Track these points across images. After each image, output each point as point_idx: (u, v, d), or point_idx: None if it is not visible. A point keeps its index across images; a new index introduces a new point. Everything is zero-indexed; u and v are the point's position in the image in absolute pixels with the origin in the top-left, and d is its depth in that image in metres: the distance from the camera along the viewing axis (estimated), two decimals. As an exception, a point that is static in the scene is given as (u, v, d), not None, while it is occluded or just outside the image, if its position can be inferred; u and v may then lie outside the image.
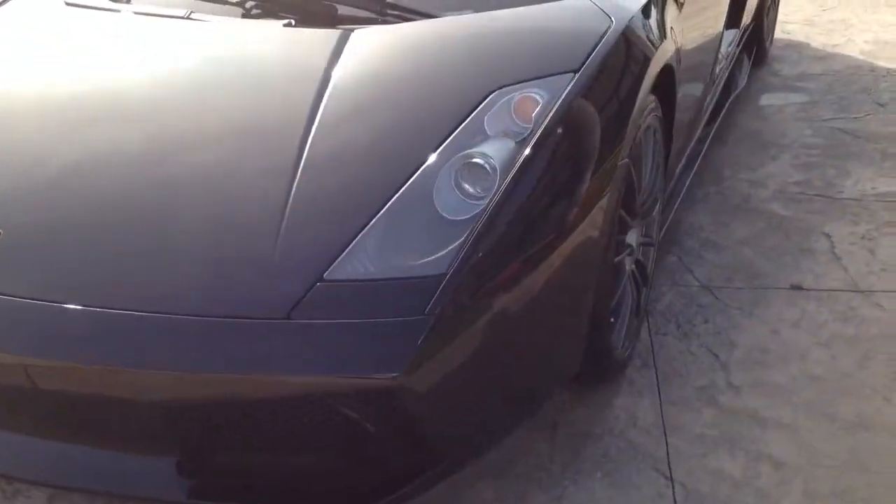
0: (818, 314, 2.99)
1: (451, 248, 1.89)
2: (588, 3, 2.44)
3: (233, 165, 2.07)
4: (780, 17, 5.75)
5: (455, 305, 1.86)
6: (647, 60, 2.41)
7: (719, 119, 3.89)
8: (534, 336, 2.08)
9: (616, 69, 2.31)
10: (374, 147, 2.09)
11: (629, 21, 2.40)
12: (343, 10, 2.51)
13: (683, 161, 3.31)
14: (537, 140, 2.05)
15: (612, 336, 2.48)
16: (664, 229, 3.08)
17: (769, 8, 5.07)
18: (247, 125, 2.18)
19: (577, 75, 2.17)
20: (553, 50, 2.29)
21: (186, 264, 1.90)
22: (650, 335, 2.93)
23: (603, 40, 2.28)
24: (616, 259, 2.42)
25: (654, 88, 2.48)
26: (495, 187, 1.97)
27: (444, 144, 2.04)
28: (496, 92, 2.14)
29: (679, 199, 3.25)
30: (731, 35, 4.02)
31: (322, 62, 2.28)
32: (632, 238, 2.60)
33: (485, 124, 2.09)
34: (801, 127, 4.46)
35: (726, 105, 4.00)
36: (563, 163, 2.10)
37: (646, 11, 2.52)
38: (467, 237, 1.90)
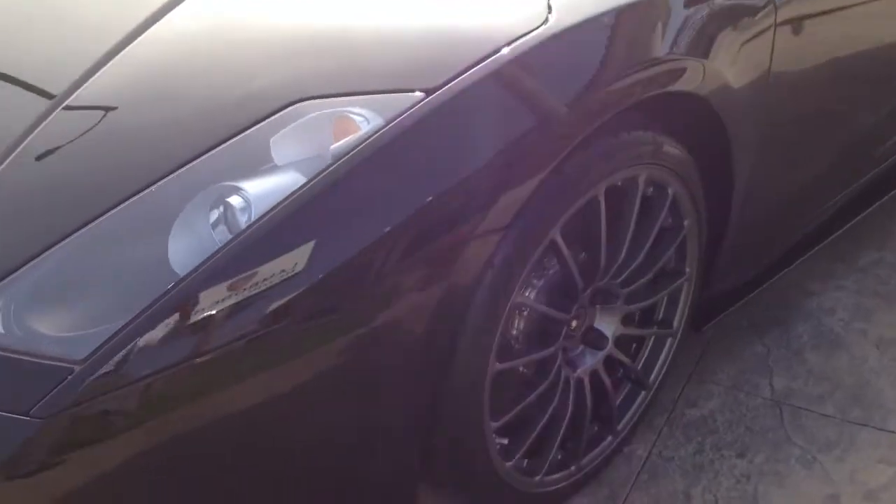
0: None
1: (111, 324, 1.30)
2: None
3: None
4: None
5: (94, 408, 1.27)
6: (611, 83, 1.58)
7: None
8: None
9: (524, 92, 1.53)
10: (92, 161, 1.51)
11: (581, 22, 1.57)
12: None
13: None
14: (328, 179, 1.37)
15: (507, 464, 1.74)
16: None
17: None
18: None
19: (429, 98, 1.44)
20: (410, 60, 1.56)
21: None
22: (649, 451, 2.10)
23: (513, 47, 1.50)
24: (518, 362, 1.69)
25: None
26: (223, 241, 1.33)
27: (184, 170, 1.42)
28: (299, 104, 1.46)
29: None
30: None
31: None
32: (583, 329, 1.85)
33: (271, 147, 1.44)
34: None
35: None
36: (362, 217, 1.40)
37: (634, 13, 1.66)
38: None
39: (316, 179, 1.37)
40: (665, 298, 2.04)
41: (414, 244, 1.42)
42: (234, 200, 1.38)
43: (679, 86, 1.69)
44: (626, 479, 2.06)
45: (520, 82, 1.49)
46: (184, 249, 1.36)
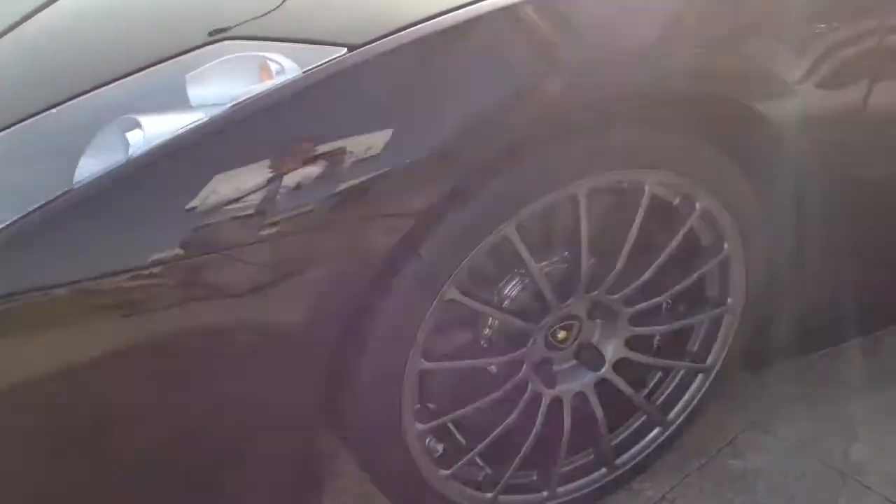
0: None
1: None
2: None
3: None
4: None
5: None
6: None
7: None
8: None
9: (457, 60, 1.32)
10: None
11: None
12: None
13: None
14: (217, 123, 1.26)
15: (441, 471, 1.58)
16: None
17: None
18: None
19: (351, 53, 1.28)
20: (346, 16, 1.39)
21: None
22: (662, 496, 1.85)
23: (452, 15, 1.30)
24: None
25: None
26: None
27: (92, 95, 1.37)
28: (221, 44, 1.36)
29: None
30: None
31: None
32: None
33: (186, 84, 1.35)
34: None
35: None
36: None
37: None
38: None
39: (206, 122, 1.25)
40: (702, 330, 1.74)
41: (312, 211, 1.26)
42: (132, 133, 1.30)
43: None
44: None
45: (454, 50, 1.28)
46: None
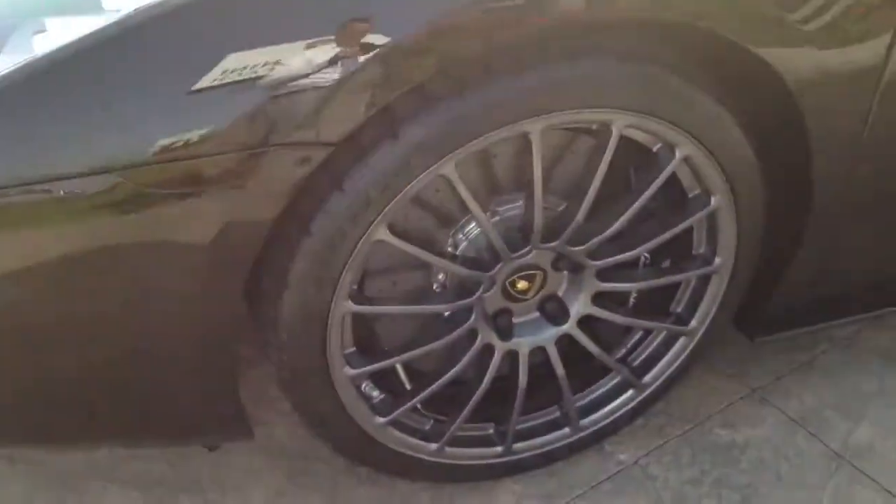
0: None
1: None
2: None
3: None
4: None
5: None
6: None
7: None
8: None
9: None
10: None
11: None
12: None
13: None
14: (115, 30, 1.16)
15: (378, 419, 1.49)
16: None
17: None
18: None
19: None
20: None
21: None
22: (636, 460, 1.72)
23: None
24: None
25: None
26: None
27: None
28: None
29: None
30: None
31: None
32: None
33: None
34: None
35: None
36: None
37: None
38: None
39: (106, 28, 1.13)
40: (689, 290, 1.58)
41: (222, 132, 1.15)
42: (37, 36, 1.20)
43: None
44: (583, 480, 1.69)
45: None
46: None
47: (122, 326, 1.25)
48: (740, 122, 1.39)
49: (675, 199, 1.48)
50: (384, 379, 1.52)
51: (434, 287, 1.49)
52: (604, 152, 1.33)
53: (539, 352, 1.54)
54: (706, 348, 1.66)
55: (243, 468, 1.71)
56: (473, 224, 1.44)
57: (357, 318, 1.40)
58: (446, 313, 1.48)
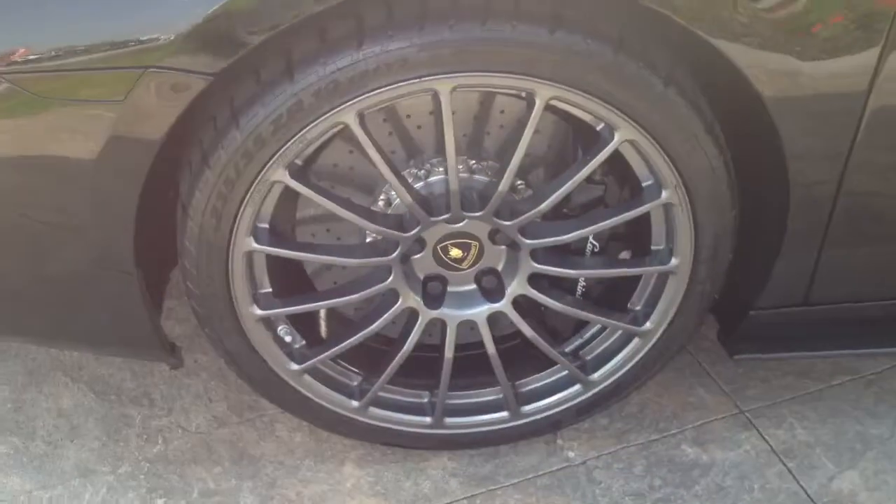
0: None
1: None
2: None
3: None
4: None
5: None
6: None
7: None
8: None
9: None
10: None
11: None
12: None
13: None
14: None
15: (293, 365, 1.47)
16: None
17: None
18: None
19: None
20: None
21: None
22: (584, 461, 1.63)
23: None
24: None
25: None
26: None
27: None
28: None
29: None
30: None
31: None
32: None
33: None
34: None
35: None
36: None
37: None
38: None
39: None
40: (648, 287, 1.46)
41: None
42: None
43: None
44: (521, 470, 1.61)
45: None
46: None
47: (18, 237, 1.29)
48: (702, 116, 1.25)
49: (633, 186, 1.36)
50: (308, 326, 1.49)
51: (367, 240, 1.44)
52: (524, 123, 1.23)
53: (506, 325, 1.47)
54: (673, 354, 1.52)
55: (196, 392, 1.74)
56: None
57: (284, 261, 1.38)
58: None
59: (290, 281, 1.48)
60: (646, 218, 1.38)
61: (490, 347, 1.47)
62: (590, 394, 1.54)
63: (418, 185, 1.38)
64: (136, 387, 1.75)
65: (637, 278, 1.45)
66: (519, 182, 1.43)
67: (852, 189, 1.29)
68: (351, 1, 1.13)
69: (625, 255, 1.46)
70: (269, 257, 1.36)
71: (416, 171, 1.39)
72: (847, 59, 1.17)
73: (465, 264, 1.43)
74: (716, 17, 1.14)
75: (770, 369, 1.77)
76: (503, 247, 1.42)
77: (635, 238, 1.43)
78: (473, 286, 1.46)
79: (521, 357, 1.55)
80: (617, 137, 1.25)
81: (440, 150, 1.30)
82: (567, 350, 1.54)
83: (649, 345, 1.48)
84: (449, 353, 1.47)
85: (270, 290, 1.41)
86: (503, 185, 1.29)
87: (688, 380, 1.76)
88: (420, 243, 1.39)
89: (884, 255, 1.41)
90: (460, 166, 1.37)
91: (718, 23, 1.14)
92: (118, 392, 1.74)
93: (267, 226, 1.33)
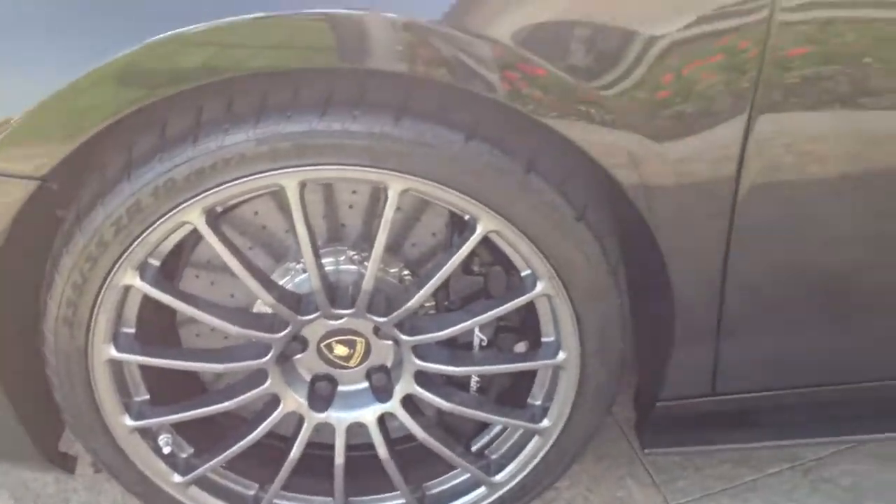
0: None
1: None
2: None
3: None
4: None
5: None
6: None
7: None
8: None
9: None
10: None
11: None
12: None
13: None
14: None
15: (176, 478, 1.40)
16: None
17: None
18: None
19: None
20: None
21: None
22: None
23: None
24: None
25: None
26: None
27: None
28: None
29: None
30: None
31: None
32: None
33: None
34: None
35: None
36: None
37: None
38: None
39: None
40: (545, 382, 1.37)
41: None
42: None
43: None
44: None
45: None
46: None
47: None
48: (571, 203, 1.18)
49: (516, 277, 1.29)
50: (199, 431, 1.42)
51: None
52: (380, 216, 1.17)
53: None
54: (577, 452, 1.43)
55: (112, 499, 1.67)
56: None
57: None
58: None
59: (178, 384, 1.41)
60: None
61: (381, 451, 1.39)
62: (495, 496, 1.44)
63: (298, 280, 1.32)
64: (56, 492, 1.69)
65: (534, 372, 1.37)
66: (406, 273, 1.36)
67: (739, 282, 1.20)
68: (192, 93, 1.08)
69: (521, 347, 1.38)
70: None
71: (293, 265, 1.33)
72: (707, 134, 1.10)
73: (352, 362, 1.37)
74: (555, 101, 1.07)
75: (708, 455, 1.66)
76: (390, 342, 1.35)
77: (531, 330, 1.35)
78: (364, 385, 1.39)
79: (429, 457, 1.46)
80: (479, 228, 1.19)
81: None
82: (474, 449, 1.45)
83: (549, 443, 1.39)
84: (339, 458, 1.39)
85: (147, 397, 1.34)
86: (367, 281, 1.22)
87: (621, 469, 1.67)
88: (301, 342, 1.33)
89: (788, 343, 1.31)
90: (341, 258, 1.31)
91: (560, 108, 1.07)
92: (36, 498, 1.67)
93: (132, 331, 1.27)
